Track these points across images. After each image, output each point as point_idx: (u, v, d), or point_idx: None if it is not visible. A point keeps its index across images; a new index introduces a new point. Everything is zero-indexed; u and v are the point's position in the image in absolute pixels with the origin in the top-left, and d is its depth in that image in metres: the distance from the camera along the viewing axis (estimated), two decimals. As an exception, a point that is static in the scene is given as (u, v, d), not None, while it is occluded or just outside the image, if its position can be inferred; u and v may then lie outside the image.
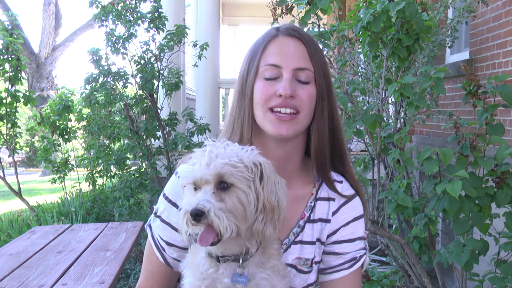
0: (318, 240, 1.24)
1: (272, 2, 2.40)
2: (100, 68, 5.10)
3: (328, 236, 1.25)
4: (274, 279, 1.05)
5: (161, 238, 1.23)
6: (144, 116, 5.21)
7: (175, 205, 1.21)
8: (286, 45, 1.15)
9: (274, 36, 1.17)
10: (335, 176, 1.27)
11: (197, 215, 0.90)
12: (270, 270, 1.05)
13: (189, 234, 0.97)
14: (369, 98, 3.18)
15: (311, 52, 1.17)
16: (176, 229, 1.20)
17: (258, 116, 1.16)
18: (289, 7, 2.37)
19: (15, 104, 5.06)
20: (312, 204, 1.24)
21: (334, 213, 1.24)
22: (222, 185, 0.94)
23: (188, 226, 0.94)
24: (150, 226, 1.27)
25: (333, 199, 1.25)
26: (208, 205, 0.91)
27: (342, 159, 1.27)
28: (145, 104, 5.18)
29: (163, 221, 1.23)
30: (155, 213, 1.25)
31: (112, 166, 5.27)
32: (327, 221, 1.24)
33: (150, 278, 1.28)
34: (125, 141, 5.49)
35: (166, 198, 1.23)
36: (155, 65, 5.18)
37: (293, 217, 1.23)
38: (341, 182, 1.27)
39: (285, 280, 1.10)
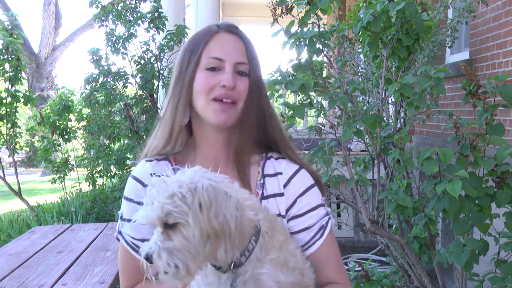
0: (278, 215, 1.28)
1: (272, 2, 2.40)
2: (100, 68, 5.10)
3: (287, 210, 1.29)
4: (277, 273, 1.02)
5: (135, 239, 1.25)
6: (144, 116, 5.22)
7: (136, 202, 1.25)
8: (227, 41, 1.26)
9: (216, 31, 1.26)
10: (278, 155, 1.35)
11: (147, 259, 0.92)
12: (270, 264, 1.02)
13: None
14: (369, 98, 3.18)
15: (248, 49, 1.28)
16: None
17: (199, 104, 1.24)
18: (289, 7, 2.37)
19: (15, 104, 5.07)
20: (262, 182, 1.30)
21: (285, 186, 1.30)
22: (168, 224, 0.92)
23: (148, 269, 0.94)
24: (120, 232, 1.28)
25: (281, 173, 1.31)
26: (152, 249, 0.91)
27: (283, 145, 1.35)
28: (145, 104, 5.18)
29: (130, 221, 1.25)
30: (121, 218, 1.28)
31: (112, 166, 5.28)
32: (280, 195, 1.29)
33: (132, 281, 1.29)
34: (125, 141, 5.49)
35: (127, 198, 1.28)
36: (155, 65, 5.19)
37: None
38: (284, 158, 1.34)
39: (294, 271, 1.08)
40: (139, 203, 1.23)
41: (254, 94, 1.29)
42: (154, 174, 1.25)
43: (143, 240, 1.23)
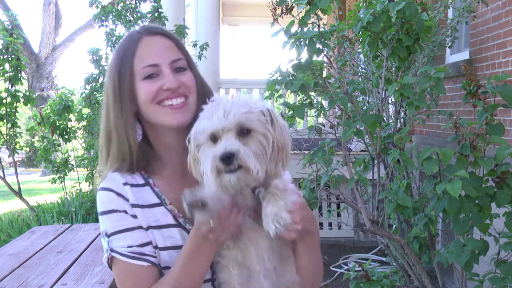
0: None
1: (272, 2, 2.40)
2: (100, 68, 5.10)
3: None
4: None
5: (132, 246, 1.18)
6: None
7: (113, 211, 1.19)
8: (155, 43, 1.20)
9: (138, 38, 1.20)
10: None
11: (229, 158, 0.95)
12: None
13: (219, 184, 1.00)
14: (369, 98, 3.18)
15: (178, 43, 1.23)
16: (134, 228, 1.19)
17: (150, 114, 1.20)
18: (289, 7, 2.37)
19: (15, 104, 5.07)
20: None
21: None
22: (243, 131, 1.00)
23: (216, 173, 0.98)
24: (112, 250, 1.19)
25: None
26: (237, 147, 0.96)
27: None
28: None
29: (119, 232, 1.19)
30: (107, 235, 1.19)
31: (112, 166, 5.26)
32: None
33: None
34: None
35: (105, 212, 1.20)
36: (155, 65, 5.18)
37: None
38: None
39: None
40: (120, 211, 1.19)
41: (202, 85, 1.27)
42: (126, 183, 1.21)
43: (142, 245, 1.19)
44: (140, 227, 1.20)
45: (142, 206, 1.21)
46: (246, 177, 0.98)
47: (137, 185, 1.23)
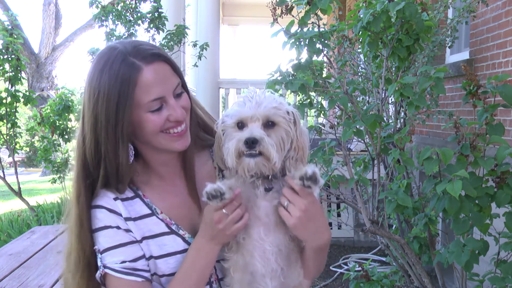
0: None
1: (272, 2, 2.40)
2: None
3: None
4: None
5: (125, 262, 1.19)
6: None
7: (106, 227, 1.20)
8: (156, 74, 1.15)
9: (139, 69, 1.13)
10: None
11: (253, 142, 1.05)
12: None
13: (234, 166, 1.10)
14: (369, 98, 3.18)
15: (173, 65, 1.21)
16: (127, 243, 1.20)
17: (155, 142, 1.20)
18: (289, 7, 2.37)
19: (15, 104, 5.07)
20: (221, 176, 1.29)
21: None
22: (268, 124, 1.11)
23: (237, 155, 1.08)
24: (105, 267, 1.19)
25: None
26: (261, 135, 1.07)
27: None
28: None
29: (112, 248, 1.19)
30: (100, 252, 1.20)
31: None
32: None
33: None
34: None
35: (97, 230, 1.21)
36: (155, 65, 5.18)
37: None
38: None
39: None
40: (113, 227, 1.20)
41: (193, 103, 1.29)
42: (116, 198, 1.22)
43: (135, 260, 1.20)
44: (134, 242, 1.21)
45: (134, 219, 1.23)
46: (264, 164, 1.07)
47: (127, 199, 1.25)
